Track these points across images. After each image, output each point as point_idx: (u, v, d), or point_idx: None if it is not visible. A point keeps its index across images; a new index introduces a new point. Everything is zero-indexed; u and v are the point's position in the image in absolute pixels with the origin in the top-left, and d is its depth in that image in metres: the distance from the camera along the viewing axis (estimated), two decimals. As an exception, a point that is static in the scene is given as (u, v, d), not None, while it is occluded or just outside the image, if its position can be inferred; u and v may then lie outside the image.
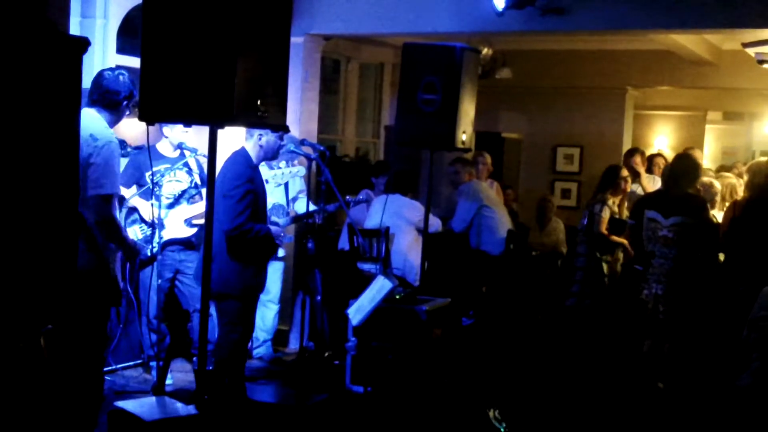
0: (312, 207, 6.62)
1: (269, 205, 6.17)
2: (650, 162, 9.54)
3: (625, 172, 8.39)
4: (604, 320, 7.99)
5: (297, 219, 7.02)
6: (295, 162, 7.12)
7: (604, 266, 8.14)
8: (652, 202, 6.72)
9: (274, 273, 7.43)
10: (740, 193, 7.54)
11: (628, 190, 8.41)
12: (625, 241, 7.95)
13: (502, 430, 5.58)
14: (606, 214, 8.02)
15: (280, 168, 6.69)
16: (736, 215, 6.61)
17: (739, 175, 8.13)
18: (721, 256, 6.90)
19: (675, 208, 6.44)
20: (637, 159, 9.17)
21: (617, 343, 7.55)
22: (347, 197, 7.26)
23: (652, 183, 9.18)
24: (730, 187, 7.54)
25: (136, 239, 6.42)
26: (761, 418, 4.09)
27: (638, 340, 6.83)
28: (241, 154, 5.69)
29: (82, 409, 4.74)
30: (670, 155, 11.04)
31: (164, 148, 6.56)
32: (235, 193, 5.54)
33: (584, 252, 8.21)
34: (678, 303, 6.39)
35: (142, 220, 6.41)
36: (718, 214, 7.17)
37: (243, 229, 5.54)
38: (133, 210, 6.45)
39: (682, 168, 6.64)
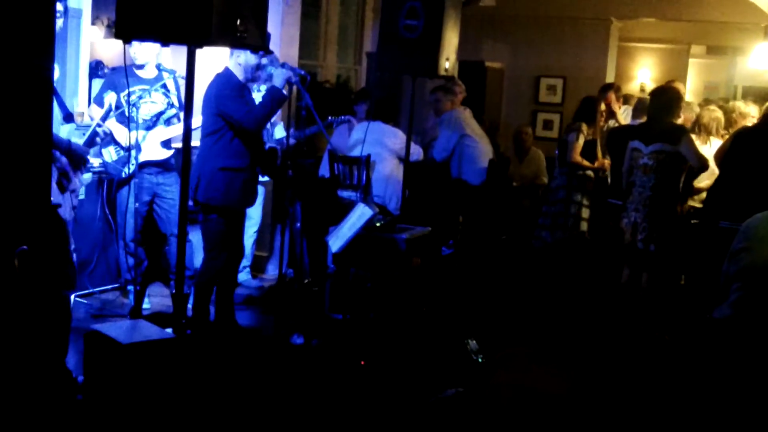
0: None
1: None
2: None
3: (602, 106, 8.30)
4: (581, 253, 7.97)
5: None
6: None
7: (583, 211, 8.09)
8: (635, 133, 6.68)
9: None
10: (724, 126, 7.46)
11: (602, 125, 8.31)
12: (600, 163, 7.94)
13: (479, 360, 5.61)
14: (580, 142, 7.94)
15: (260, 91, 6.60)
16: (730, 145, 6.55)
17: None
18: (704, 184, 6.87)
19: (656, 136, 6.41)
20: (611, 96, 8.87)
21: (596, 275, 7.56)
22: (329, 118, 7.19)
23: (628, 116, 9.09)
24: (716, 120, 7.44)
25: (111, 161, 6.34)
26: (739, 349, 4.12)
27: (616, 270, 6.84)
28: (225, 73, 5.68)
29: (52, 333, 4.67)
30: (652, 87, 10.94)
31: (140, 69, 6.44)
32: (235, 96, 5.59)
33: (562, 184, 8.13)
34: (656, 232, 6.40)
35: (116, 143, 6.31)
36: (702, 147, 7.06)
37: (256, 113, 5.58)
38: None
39: (664, 100, 6.58)
